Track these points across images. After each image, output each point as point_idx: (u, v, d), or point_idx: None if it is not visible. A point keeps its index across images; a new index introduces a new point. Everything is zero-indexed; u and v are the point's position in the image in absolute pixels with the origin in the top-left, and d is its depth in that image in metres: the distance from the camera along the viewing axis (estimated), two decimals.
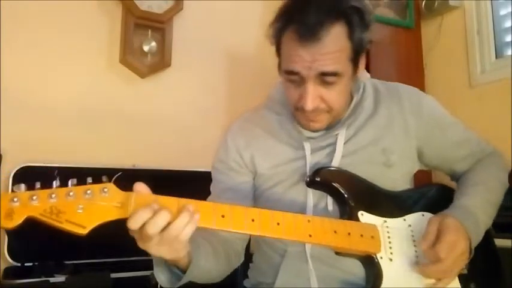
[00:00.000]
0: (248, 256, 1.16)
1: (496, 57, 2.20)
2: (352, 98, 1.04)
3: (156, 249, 0.76)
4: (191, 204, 0.77)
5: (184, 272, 0.85)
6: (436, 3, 2.37)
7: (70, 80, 2.00)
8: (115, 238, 1.80)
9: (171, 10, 2.13)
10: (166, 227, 0.73)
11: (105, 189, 0.74)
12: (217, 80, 2.34)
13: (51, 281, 1.59)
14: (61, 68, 1.99)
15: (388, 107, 1.05)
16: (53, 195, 0.70)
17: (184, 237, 0.75)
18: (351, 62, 0.92)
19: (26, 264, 1.71)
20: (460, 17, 2.33)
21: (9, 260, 1.71)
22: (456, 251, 0.88)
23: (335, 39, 0.87)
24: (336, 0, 0.89)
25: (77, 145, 1.96)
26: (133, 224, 0.72)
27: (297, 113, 0.98)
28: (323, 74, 0.89)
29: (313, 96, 0.91)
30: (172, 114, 2.20)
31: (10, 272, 1.66)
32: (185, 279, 0.85)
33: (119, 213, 0.74)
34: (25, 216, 0.69)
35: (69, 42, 2.00)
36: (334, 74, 0.89)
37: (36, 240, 1.72)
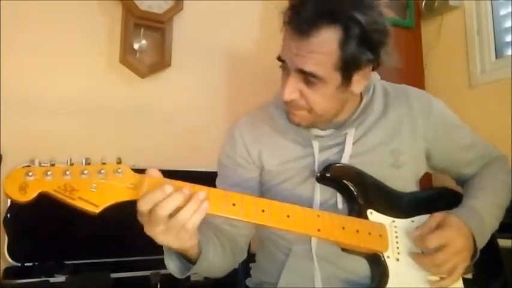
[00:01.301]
0: (249, 256, 1.16)
1: (496, 57, 2.20)
2: (361, 99, 1.04)
3: (162, 237, 0.75)
4: (203, 191, 0.76)
5: (193, 262, 0.85)
6: (436, 3, 2.37)
7: (70, 80, 2.00)
8: (115, 238, 1.82)
9: (171, 10, 2.12)
10: (174, 214, 0.73)
11: (119, 170, 0.74)
12: (217, 80, 2.34)
13: (51, 281, 1.59)
14: (61, 68, 1.99)
15: (397, 109, 1.05)
16: (67, 172, 0.71)
17: (191, 225, 0.75)
18: (339, 72, 0.90)
19: (26, 264, 1.71)
20: (460, 17, 2.33)
21: (9, 260, 1.71)
22: (450, 247, 0.88)
23: (323, 42, 0.87)
24: (340, 5, 0.88)
25: (76, 145, 1.95)
26: (143, 205, 0.72)
27: (284, 105, 0.99)
28: (302, 72, 0.89)
29: (291, 87, 0.92)
30: (172, 114, 2.20)
31: (10, 272, 1.66)
32: (194, 270, 0.85)
33: (132, 194, 0.74)
34: (39, 191, 0.69)
35: (69, 42, 2.00)
36: (313, 75, 0.89)
37: (36, 240, 1.72)
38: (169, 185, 0.74)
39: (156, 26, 2.11)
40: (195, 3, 2.24)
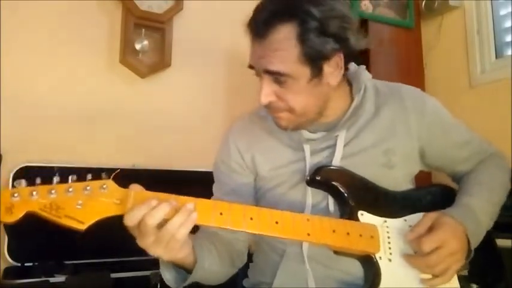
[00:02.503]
0: (248, 256, 1.16)
1: (496, 57, 2.19)
2: (352, 100, 1.03)
3: (153, 249, 0.77)
4: (190, 202, 0.78)
5: (189, 272, 0.86)
6: (436, 3, 2.37)
7: (70, 80, 2.00)
8: (115, 238, 1.80)
9: (171, 10, 2.13)
10: (163, 225, 0.74)
11: (104, 186, 0.75)
12: (217, 80, 2.34)
13: (51, 281, 1.59)
14: (61, 68, 1.99)
15: (390, 108, 1.04)
16: (53, 191, 0.72)
17: (180, 236, 0.76)
18: (306, 65, 0.90)
19: (26, 264, 1.71)
20: (460, 17, 2.33)
21: (9, 260, 1.71)
22: (444, 249, 0.88)
23: (281, 39, 0.88)
24: (292, 1, 0.90)
25: (76, 145, 1.96)
26: (129, 220, 0.74)
27: (267, 111, 1.00)
28: (270, 72, 0.91)
29: (265, 91, 0.93)
30: (172, 114, 2.20)
31: (10, 272, 1.66)
32: (190, 280, 0.86)
33: (118, 209, 0.75)
34: (25, 211, 0.70)
35: (69, 42, 2.00)
36: (279, 73, 0.90)
37: (36, 240, 1.72)
38: (155, 199, 0.75)
39: (156, 26, 2.12)
40: (195, 3, 2.24)
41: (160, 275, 0.89)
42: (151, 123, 2.15)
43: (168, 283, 0.88)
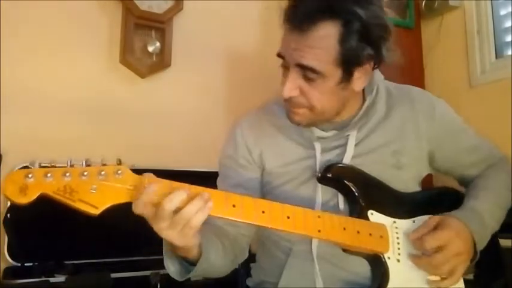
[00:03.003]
0: (250, 256, 1.16)
1: (496, 57, 2.19)
2: (364, 100, 1.03)
3: (166, 232, 0.76)
4: (206, 191, 0.77)
5: (193, 264, 0.85)
6: (436, 3, 2.37)
7: (70, 80, 2.00)
8: (115, 238, 1.82)
9: (171, 10, 2.12)
10: (179, 210, 0.74)
11: (119, 171, 0.74)
12: (217, 80, 2.34)
13: (51, 281, 1.59)
14: (61, 68, 1.99)
15: (400, 110, 1.05)
16: (67, 174, 0.70)
17: (195, 222, 0.75)
18: (339, 67, 0.90)
19: (26, 264, 1.71)
20: (460, 17, 2.33)
21: (9, 260, 1.71)
22: (449, 249, 0.88)
23: (321, 37, 0.87)
24: (340, 2, 0.87)
25: (76, 145, 1.95)
26: (147, 196, 0.73)
27: (284, 103, 0.99)
28: (301, 67, 0.89)
29: (291, 84, 0.91)
30: (172, 114, 2.20)
31: (10, 272, 1.66)
32: (194, 272, 0.86)
33: (132, 195, 0.74)
34: (39, 193, 0.69)
35: (69, 42, 2.00)
36: (312, 70, 0.89)
37: (36, 240, 1.72)
38: (176, 183, 0.76)
39: (156, 26, 2.11)
40: (195, 3, 2.24)
41: (161, 275, 0.89)
42: (151, 123, 2.14)
43: (172, 275, 0.87)
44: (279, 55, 0.93)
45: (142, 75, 2.12)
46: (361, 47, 0.89)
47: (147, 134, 2.12)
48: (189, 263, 0.87)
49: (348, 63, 0.90)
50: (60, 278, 1.60)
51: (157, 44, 2.09)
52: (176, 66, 2.17)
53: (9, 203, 1.68)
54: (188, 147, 2.17)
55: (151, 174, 0.78)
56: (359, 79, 0.94)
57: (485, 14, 2.23)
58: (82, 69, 2.03)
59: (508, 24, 2.16)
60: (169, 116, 2.19)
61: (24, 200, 0.68)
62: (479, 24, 2.24)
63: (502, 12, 2.20)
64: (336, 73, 0.90)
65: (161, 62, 2.14)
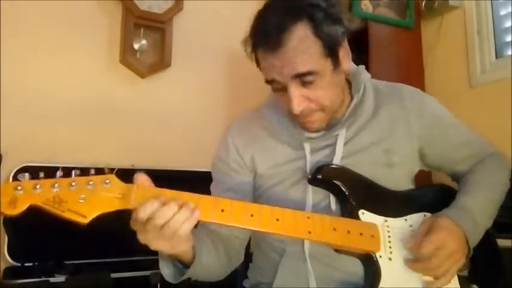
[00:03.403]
0: (248, 256, 1.16)
1: (496, 57, 2.19)
2: (351, 99, 1.03)
3: (155, 243, 0.77)
4: (192, 201, 0.78)
5: (187, 267, 0.86)
6: (436, 3, 2.37)
7: (70, 80, 2.00)
8: (115, 238, 1.81)
9: (171, 10, 2.13)
10: (166, 222, 0.75)
11: (107, 181, 0.76)
12: (217, 80, 2.34)
13: (51, 281, 1.60)
14: (61, 68, 1.99)
15: (389, 107, 1.04)
16: (56, 185, 0.72)
17: (183, 232, 0.76)
18: (327, 57, 0.90)
19: (26, 264, 1.71)
20: (460, 17, 2.33)
21: (9, 260, 1.72)
22: (443, 250, 0.88)
23: (299, 40, 0.87)
24: (294, 2, 0.89)
25: (76, 145, 1.96)
26: (142, 213, 0.74)
27: (294, 119, 0.98)
28: (299, 76, 0.89)
29: (297, 99, 0.91)
30: (172, 114, 2.20)
31: (10, 272, 1.67)
32: (188, 274, 0.86)
33: (120, 204, 0.76)
34: (28, 204, 0.71)
35: (69, 42, 2.01)
36: (309, 73, 0.89)
37: (36, 240, 1.73)
38: (164, 196, 0.76)
39: (156, 26, 2.12)
40: (195, 3, 2.25)
41: (161, 275, 0.89)
42: (151, 123, 2.15)
43: (166, 278, 0.88)
44: (269, 81, 0.93)
45: (142, 75, 2.12)
46: (333, 30, 0.90)
47: (147, 133, 2.13)
48: (183, 265, 0.88)
49: (331, 50, 0.91)
50: (60, 278, 1.61)
51: (143, 41, 2.08)
52: (176, 66, 2.18)
53: None
54: (188, 147, 2.17)
55: (143, 176, 0.79)
56: (344, 57, 0.95)
57: (485, 14, 2.23)
58: (82, 69, 2.03)
59: (508, 24, 2.16)
60: (169, 116, 2.19)
61: (13, 212, 0.70)
62: (479, 24, 2.24)
63: (502, 12, 2.20)
64: (327, 64, 0.91)
65: (161, 62, 2.14)
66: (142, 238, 0.77)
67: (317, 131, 1.00)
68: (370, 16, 2.30)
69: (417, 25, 2.48)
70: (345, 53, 0.95)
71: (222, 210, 0.81)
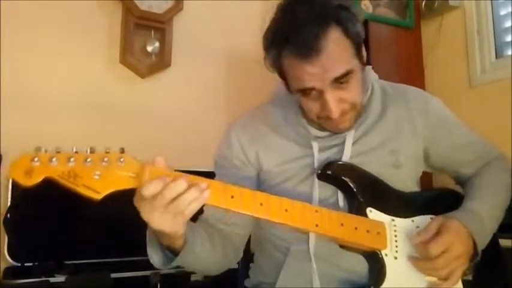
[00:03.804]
0: (249, 256, 1.16)
1: (496, 57, 2.19)
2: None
3: (158, 219, 0.75)
4: (204, 182, 0.78)
5: (176, 255, 0.85)
6: (436, 3, 2.37)
7: (70, 80, 2.00)
8: (115, 238, 1.82)
9: (171, 10, 2.13)
10: (175, 198, 0.74)
11: (122, 159, 0.76)
12: (217, 80, 2.34)
13: (51, 281, 1.59)
14: (61, 68, 1.99)
15: (395, 109, 1.05)
16: (72, 159, 0.73)
17: (189, 211, 0.76)
18: (356, 56, 0.93)
19: (26, 264, 1.71)
20: (460, 17, 2.33)
21: (9, 260, 1.71)
22: (450, 253, 0.88)
23: (335, 44, 0.88)
24: (320, 7, 0.89)
25: (77, 145, 1.95)
26: (147, 190, 0.73)
27: (322, 121, 0.98)
28: (337, 79, 0.90)
29: (335, 103, 0.91)
30: (172, 114, 2.20)
31: (10, 272, 1.66)
32: (176, 262, 0.85)
33: (133, 182, 0.76)
34: (43, 176, 0.71)
35: (69, 42, 2.01)
36: (346, 73, 0.90)
37: (36, 240, 1.73)
38: (176, 172, 0.77)
39: (156, 26, 2.12)
40: (195, 3, 2.25)
41: (161, 275, 0.89)
42: (151, 123, 2.15)
43: (154, 264, 0.87)
44: (305, 89, 0.92)
45: (142, 75, 2.12)
46: (358, 28, 0.93)
47: (147, 133, 2.12)
48: (173, 254, 0.86)
49: (359, 47, 0.94)
50: (60, 278, 1.61)
51: (157, 43, 2.09)
52: (176, 66, 2.18)
53: (9, 203, 1.69)
54: (188, 147, 2.17)
55: (161, 160, 0.80)
56: (364, 54, 0.97)
57: (485, 14, 2.23)
58: (82, 69, 2.03)
59: (508, 24, 2.16)
60: (169, 116, 2.19)
61: (29, 182, 0.71)
62: (479, 24, 2.24)
63: (502, 12, 2.20)
64: (357, 62, 0.94)
65: (161, 62, 2.14)
66: (146, 215, 0.75)
67: (348, 130, 1.00)
68: (370, 16, 2.30)
69: (417, 25, 2.48)
70: (363, 50, 0.97)
71: (232, 197, 0.81)
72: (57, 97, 1.96)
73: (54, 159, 0.72)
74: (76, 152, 0.74)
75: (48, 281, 1.59)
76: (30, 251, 1.74)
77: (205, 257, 0.94)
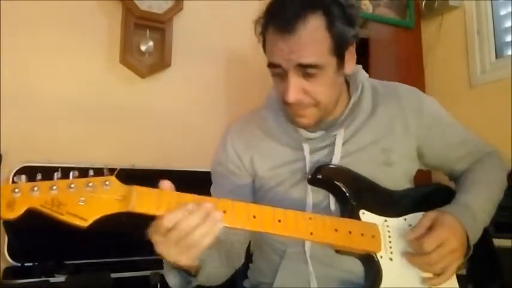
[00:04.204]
0: (248, 256, 1.16)
1: (496, 57, 2.19)
2: (349, 99, 1.03)
3: (174, 256, 0.75)
4: (217, 212, 0.76)
5: (191, 274, 0.86)
6: (436, 3, 2.37)
7: (70, 80, 2.00)
8: (115, 238, 1.82)
9: (171, 10, 2.12)
10: (188, 232, 0.73)
11: (107, 182, 0.73)
12: (217, 80, 2.34)
13: (51, 281, 1.59)
14: (61, 68, 1.99)
15: (387, 107, 1.04)
16: (54, 187, 0.70)
17: (203, 245, 0.75)
18: (333, 55, 0.91)
19: (26, 264, 1.71)
20: (460, 17, 2.33)
21: (9, 260, 1.71)
22: (444, 247, 0.88)
23: (312, 31, 0.87)
24: None
25: (76, 145, 1.96)
26: (168, 222, 0.72)
27: (285, 109, 0.98)
28: (302, 66, 0.89)
29: (294, 88, 0.91)
30: (172, 114, 2.20)
31: (10, 272, 1.66)
32: (195, 283, 0.87)
33: (120, 206, 0.73)
34: (26, 207, 0.68)
35: (69, 42, 2.00)
36: (313, 66, 0.89)
37: (36, 240, 1.72)
38: (192, 203, 0.74)
39: (156, 26, 2.11)
40: (195, 3, 2.24)
41: (161, 275, 0.89)
42: (151, 123, 2.15)
43: (171, 286, 0.88)
44: (273, 65, 0.92)
45: (142, 75, 2.12)
46: (346, 30, 0.91)
47: (147, 134, 2.13)
48: (186, 273, 0.87)
49: (340, 48, 0.92)
50: (60, 278, 1.60)
51: (151, 43, 2.08)
52: (176, 66, 2.18)
53: None
54: (188, 147, 2.17)
55: (168, 183, 0.78)
56: (349, 61, 0.96)
57: (485, 14, 2.23)
58: (82, 69, 2.03)
59: (508, 24, 2.17)
60: (169, 116, 2.19)
61: (11, 215, 0.67)
62: (479, 24, 2.24)
63: (502, 12, 2.20)
64: (332, 61, 0.91)
65: (161, 62, 2.14)
66: (162, 249, 0.75)
67: (306, 127, 0.99)
68: (370, 16, 2.30)
69: (417, 25, 2.48)
70: (350, 57, 0.96)
71: (224, 212, 0.80)
72: (57, 97, 1.96)
73: (35, 188, 0.69)
74: (59, 178, 0.71)
75: (48, 281, 1.59)
76: (30, 251, 1.74)
77: (216, 271, 0.94)
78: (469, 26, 2.28)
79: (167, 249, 0.74)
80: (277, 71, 0.93)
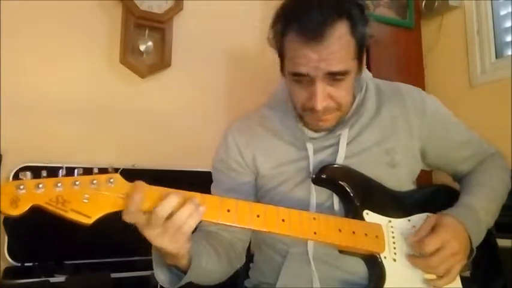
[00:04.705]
0: (249, 256, 1.16)
1: (496, 57, 2.19)
2: (354, 98, 1.03)
3: (159, 239, 0.75)
4: (197, 197, 0.77)
5: (184, 272, 0.85)
6: (436, 3, 2.37)
7: (70, 80, 2.00)
8: (115, 238, 1.81)
9: (171, 10, 2.12)
10: (170, 216, 0.73)
11: (111, 180, 0.73)
12: (217, 80, 2.34)
13: (51, 281, 1.59)
14: (61, 68, 1.99)
15: (391, 107, 1.04)
16: (59, 184, 0.70)
17: (187, 228, 0.75)
18: (356, 58, 0.91)
19: (26, 264, 1.71)
20: (460, 17, 2.33)
21: (9, 260, 1.71)
22: (445, 249, 0.88)
23: (339, 38, 0.86)
24: None
25: (77, 145, 1.96)
26: (134, 205, 0.72)
27: (305, 114, 0.97)
28: (331, 74, 0.88)
29: (323, 96, 0.90)
30: (172, 114, 2.20)
31: (10, 272, 1.66)
32: (186, 279, 0.85)
33: (123, 204, 0.74)
34: (30, 204, 0.68)
35: (69, 42, 2.00)
36: (341, 73, 0.89)
37: (36, 240, 1.72)
38: (166, 189, 0.75)
39: (156, 26, 2.11)
40: (195, 3, 2.24)
41: None
42: (151, 123, 2.14)
43: (163, 284, 0.87)
44: (299, 74, 0.89)
45: (142, 75, 2.12)
46: (364, 30, 0.91)
47: (147, 133, 2.12)
48: (179, 271, 0.86)
49: (361, 51, 0.92)
50: (60, 278, 1.60)
51: (150, 43, 2.08)
52: (176, 66, 2.18)
53: None
54: (188, 147, 2.17)
55: (141, 182, 0.77)
56: (364, 61, 0.96)
57: (485, 14, 2.23)
58: (82, 69, 2.03)
59: (508, 24, 2.16)
60: (169, 116, 2.19)
61: (15, 212, 0.67)
62: (479, 24, 2.24)
63: (502, 12, 2.20)
64: (355, 64, 0.92)
65: (161, 62, 2.14)
66: (146, 233, 0.75)
67: (327, 130, 0.99)
68: (370, 16, 2.30)
69: (417, 25, 2.48)
70: (364, 56, 0.96)
71: (228, 210, 0.80)
72: (57, 97, 1.96)
73: (40, 185, 0.68)
74: (64, 175, 0.71)
75: (48, 281, 1.59)
76: (30, 251, 1.74)
77: (212, 269, 0.93)
78: (469, 26, 2.28)
79: (150, 234, 0.75)
80: (301, 79, 0.91)
